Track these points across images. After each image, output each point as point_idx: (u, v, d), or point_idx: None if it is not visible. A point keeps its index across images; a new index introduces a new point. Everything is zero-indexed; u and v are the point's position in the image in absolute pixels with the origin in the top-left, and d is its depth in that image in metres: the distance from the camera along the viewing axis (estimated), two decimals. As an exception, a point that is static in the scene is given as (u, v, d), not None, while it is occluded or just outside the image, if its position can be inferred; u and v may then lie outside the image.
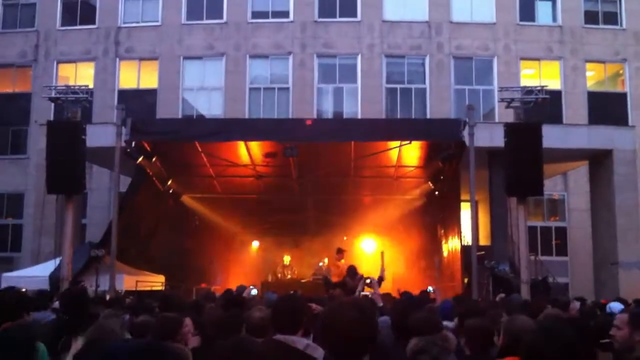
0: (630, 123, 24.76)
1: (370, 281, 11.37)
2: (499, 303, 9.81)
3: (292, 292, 10.14)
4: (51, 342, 4.57)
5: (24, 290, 12.17)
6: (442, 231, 17.59)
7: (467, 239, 15.85)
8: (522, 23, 26.58)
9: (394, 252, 20.22)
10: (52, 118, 20.06)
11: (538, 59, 26.52)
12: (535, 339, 3.02)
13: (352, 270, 14.47)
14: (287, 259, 19.71)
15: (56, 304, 8.49)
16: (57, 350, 5.05)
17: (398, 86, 26.33)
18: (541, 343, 2.97)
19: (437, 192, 18.03)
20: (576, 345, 3.02)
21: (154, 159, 16.48)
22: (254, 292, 15.34)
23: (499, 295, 12.68)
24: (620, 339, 4.65)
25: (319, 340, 3.74)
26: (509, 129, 14.47)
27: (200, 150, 16.65)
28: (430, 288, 14.86)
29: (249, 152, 16.82)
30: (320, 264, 19.16)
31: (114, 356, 2.15)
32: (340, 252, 17.93)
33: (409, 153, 17.10)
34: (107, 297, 11.30)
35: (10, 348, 4.57)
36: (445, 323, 6.21)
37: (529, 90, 14.93)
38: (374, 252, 19.63)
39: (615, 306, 9.46)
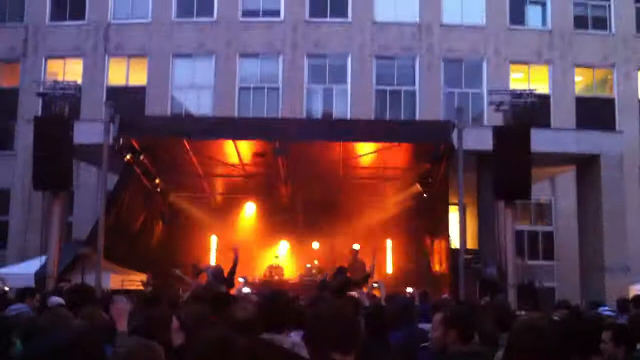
0: (617, 128, 24.89)
1: (378, 285, 11.51)
2: (485, 306, 9.79)
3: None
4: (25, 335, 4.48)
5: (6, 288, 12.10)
6: (430, 234, 17.60)
7: (455, 242, 15.88)
8: (512, 27, 26.66)
9: (382, 254, 20.20)
10: (40, 114, 19.93)
11: (527, 63, 26.61)
12: (520, 336, 3.04)
13: (338, 271, 14.43)
14: (276, 261, 19.64)
15: (54, 299, 8.41)
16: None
17: (388, 88, 26.34)
18: (526, 339, 3.00)
19: (425, 195, 18.04)
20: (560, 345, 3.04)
21: (142, 157, 16.39)
22: (246, 289, 15.23)
23: (484, 298, 12.70)
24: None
25: (305, 339, 3.73)
26: (498, 132, 14.53)
27: (188, 148, 16.57)
28: (409, 289, 14.87)
29: (237, 152, 16.77)
30: (308, 265, 19.13)
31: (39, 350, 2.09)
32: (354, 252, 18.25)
33: (398, 155, 17.09)
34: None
35: None
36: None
37: (518, 94, 14.99)
38: (362, 253, 19.58)
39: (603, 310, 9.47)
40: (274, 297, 4.75)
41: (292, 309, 4.76)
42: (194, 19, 26.87)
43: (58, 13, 27.33)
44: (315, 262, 19.24)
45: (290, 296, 5.35)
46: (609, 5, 27.03)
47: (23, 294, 7.92)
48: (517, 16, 26.87)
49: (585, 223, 20.31)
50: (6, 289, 12.63)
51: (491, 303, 10.42)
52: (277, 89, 26.27)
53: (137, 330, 5.47)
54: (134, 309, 7.16)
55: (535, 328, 3.21)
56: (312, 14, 26.65)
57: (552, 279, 23.52)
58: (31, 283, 13.46)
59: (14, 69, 27.10)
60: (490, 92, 15.45)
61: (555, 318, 6.29)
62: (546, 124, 24.10)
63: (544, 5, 27.09)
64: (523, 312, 9.00)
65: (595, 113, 25.62)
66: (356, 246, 19.00)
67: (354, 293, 12.60)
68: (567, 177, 22.96)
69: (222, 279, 13.41)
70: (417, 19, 26.52)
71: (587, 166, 19.79)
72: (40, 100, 16.49)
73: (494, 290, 14.17)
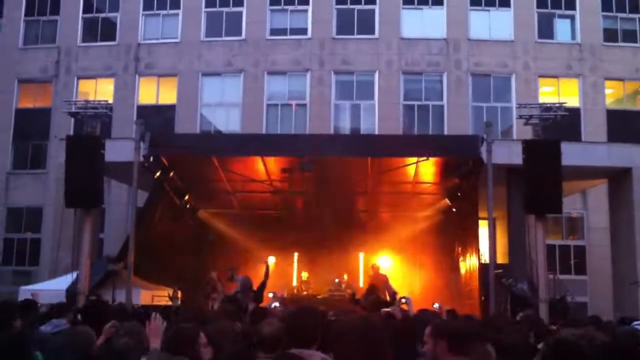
0: (649, 141, 24.55)
1: (406, 300, 11.47)
2: (518, 322, 9.63)
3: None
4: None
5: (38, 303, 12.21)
6: (460, 249, 17.46)
7: (485, 257, 15.72)
8: (540, 40, 26.50)
9: (410, 269, 20.10)
10: (71, 133, 20.24)
11: (557, 77, 26.40)
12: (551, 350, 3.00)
13: (369, 290, 14.44)
14: (305, 275, 19.64)
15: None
16: None
17: (416, 103, 26.31)
18: (561, 355, 2.95)
19: (454, 209, 17.92)
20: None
21: (171, 174, 16.53)
22: (275, 304, 15.26)
23: (520, 314, 12.49)
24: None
25: (333, 354, 3.70)
26: (528, 146, 14.39)
27: (217, 165, 16.70)
28: (436, 304, 14.74)
29: (265, 168, 16.85)
30: (337, 280, 19.07)
31: None
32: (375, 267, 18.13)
33: (427, 169, 17.03)
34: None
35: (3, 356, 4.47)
36: None
37: (547, 107, 14.85)
38: (390, 269, 19.52)
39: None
40: (302, 312, 4.73)
41: (321, 323, 4.73)
42: (223, 38, 27.16)
43: (89, 34, 27.85)
44: (345, 276, 19.20)
45: (319, 311, 5.34)
46: (639, 18, 26.76)
47: (56, 309, 7.96)
48: (546, 30, 26.73)
49: (617, 237, 20.01)
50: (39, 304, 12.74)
51: (525, 318, 10.28)
52: (305, 105, 26.39)
53: (165, 346, 5.51)
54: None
55: (570, 344, 3.16)
56: (339, 31, 26.79)
57: (584, 294, 23.17)
58: (62, 299, 13.60)
59: (47, 89, 27.60)
60: (519, 106, 15.29)
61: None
62: (577, 138, 23.86)
63: (572, 18, 26.89)
64: (554, 327, 8.85)
65: (627, 126, 25.28)
66: (377, 262, 18.94)
67: (388, 309, 12.54)
68: (598, 191, 22.68)
69: (251, 289, 13.43)
70: (445, 35, 26.49)
71: (618, 179, 19.52)
72: (72, 120, 16.73)
73: (525, 305, 13.98)
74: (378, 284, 16.42)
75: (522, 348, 5.38)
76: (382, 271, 18.08)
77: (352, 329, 3.26)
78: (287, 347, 4.36)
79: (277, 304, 15.86)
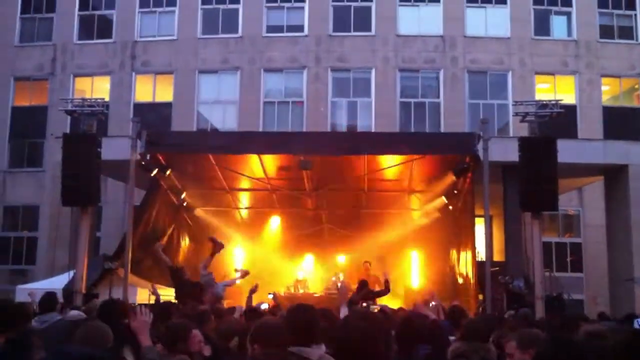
0: (645, 138, 24.62)
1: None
2: (506, 320, 9.64)
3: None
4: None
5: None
6: (456, 246, 17.48)
7: (481, 255, 15.73)
8: (537, 37, 26.56)
9: (406, 267, 20.11)
10: (68, 131, 20.21)
11: (553, 73, 26.46)
12: (545, 351, 3.02)
13: (361, 285, 14.49)
14: (301, 275, 19.62)
15: (71, 313, 8.53)
16: None
17: (412, 100, 26.34)
18: (550, 355, 2.97)
19: (450, 207, 17.93)
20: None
21: (168, 172, 16.50)
22: (264, 306, 15.23)
23: (508, 312, 12.51)
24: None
25: (332, 353, 3.70)
26: (524, 143, 14.38)
27: (214, 163, 16.67)
28: (432, 302, 14.74)
29: (263, 166, 16.83)
30: (333, 278, 19.08)
31: None
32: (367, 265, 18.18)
33: (423, 167, 17.02)
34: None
35: None
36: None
37: (543, 105, 14.83)
38: (387, 267, 19.53)
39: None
40: (299, 309, 4.75)
41: (319, 322, 4.73)
42: (219, 35, 27.16)
43: (86, 32, 27.82)
44: (341, 276, 19.19)
45: (317, 309, 5.35)
46: (635, 15, 26.82)
47: (50, 301, 7.90)
48: (542, 27, 26.77)
49: (613, 234, 20.06)
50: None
51: (515, 316, 10.31)
52: (302, 103, 26.41)
53: (159, 340, 5.54)
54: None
55: (564, 343, 3.17)
56: (335, 29, 26.81)
57: (580, 291, 23.24)
58: (60, 298, 13.58)
59: (43, 87, 27.59)
60: (515, 103, 15.31)
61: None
62: (573, 135, 23.91)
63: (569, 15, 26.94)
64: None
65: (623, 123, 25.37)
66: (369, 260, 18.94)
67: (378, 305, 12.58)
68: (594, 188, 22.74)
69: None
70: (441, 32, 26.52)
71: (614, 176, 19.57)
72: (68, 118, 16.71)
73: (521, 302, 14.02)
74: (369, 282, 16.43)
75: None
76: (372, 272, 18.09)
77: (355, 330, 3.24)
78: (288, 345, 4.38)
79: (266, 305, 15.82)
